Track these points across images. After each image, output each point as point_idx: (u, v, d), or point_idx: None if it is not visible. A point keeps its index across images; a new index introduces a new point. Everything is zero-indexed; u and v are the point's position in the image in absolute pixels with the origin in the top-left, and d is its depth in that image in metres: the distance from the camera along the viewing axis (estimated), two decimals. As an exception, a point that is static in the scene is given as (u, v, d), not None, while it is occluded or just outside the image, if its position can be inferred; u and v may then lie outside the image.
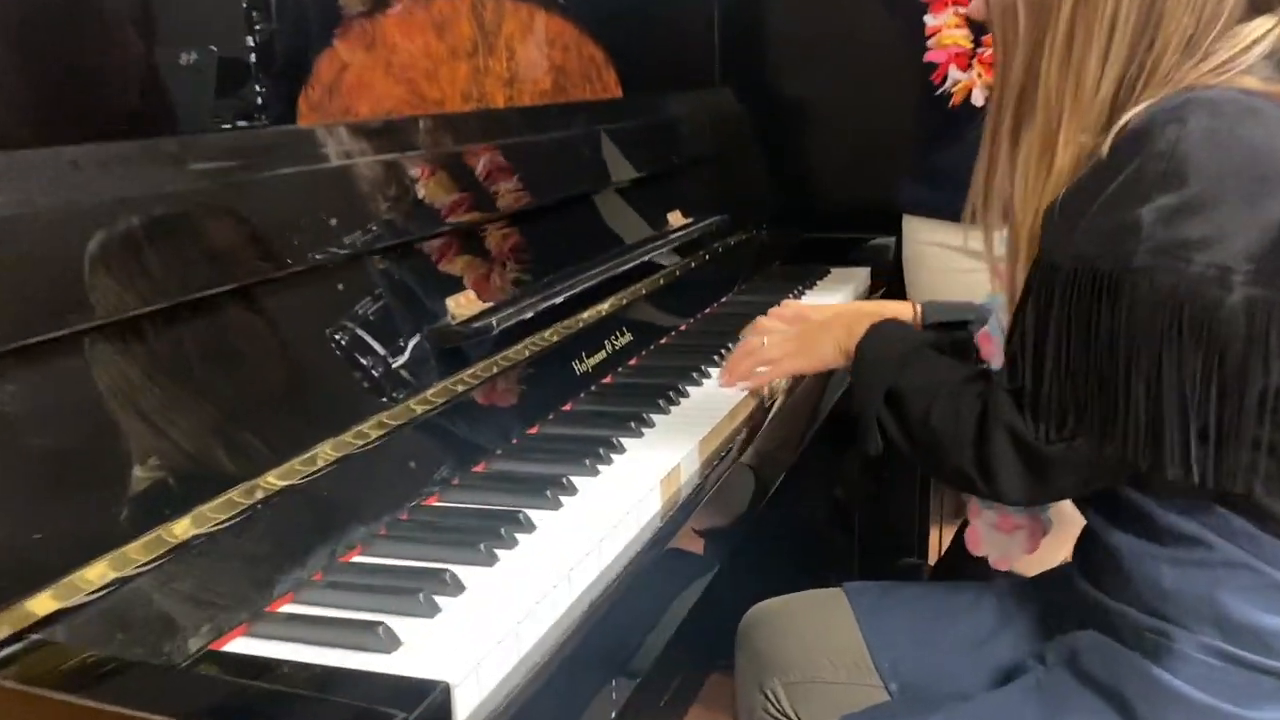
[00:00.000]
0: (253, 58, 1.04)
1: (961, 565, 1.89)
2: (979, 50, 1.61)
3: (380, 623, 0.77)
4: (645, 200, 1.66)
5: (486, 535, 0.91)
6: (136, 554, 0.79)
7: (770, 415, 1.34)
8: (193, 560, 0.81)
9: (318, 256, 0.96)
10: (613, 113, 1.62)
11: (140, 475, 0.81)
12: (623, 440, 1.14)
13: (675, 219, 1.69)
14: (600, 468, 1.08)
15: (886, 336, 1.14)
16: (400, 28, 1.19)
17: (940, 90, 1.65)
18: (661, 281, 1.62)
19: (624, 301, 1.49)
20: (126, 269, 0.80)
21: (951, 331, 1.33)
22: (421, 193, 1.13)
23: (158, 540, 0.80)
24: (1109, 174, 0.85)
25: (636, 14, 1.84)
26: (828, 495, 2.18)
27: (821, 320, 1.29)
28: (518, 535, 0.93)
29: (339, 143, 1.02)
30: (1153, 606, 0.94)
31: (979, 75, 1.61)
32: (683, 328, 1.62)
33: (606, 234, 1.54)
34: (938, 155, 1.75)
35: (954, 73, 1.64)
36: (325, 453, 0.94)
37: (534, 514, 0.96)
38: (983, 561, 1.85)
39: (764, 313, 1.63)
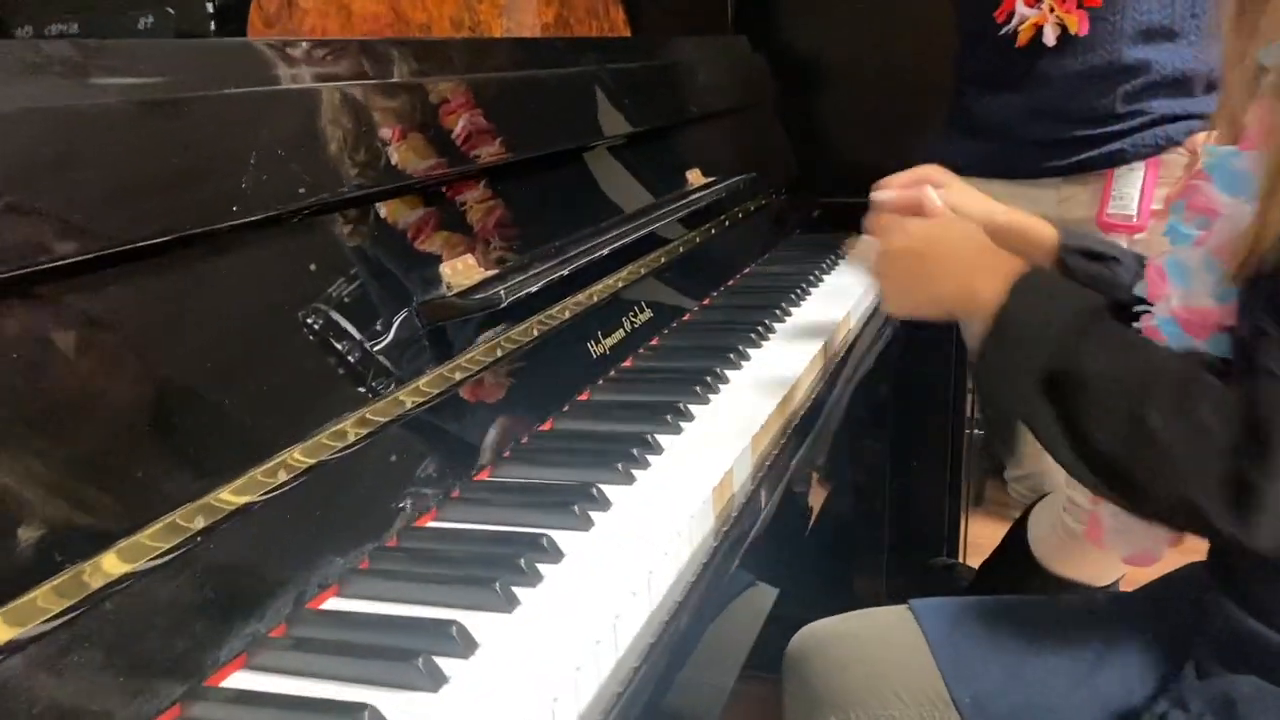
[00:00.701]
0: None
1: (1018, 567, 1.70)
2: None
3: (365, 705, 0.55)
4: (660, 155, 1.44)
5: (501, 569, 0.70)
6: (46, 602, 0.57)
7: (829, 402, 1.13)
8: (114, 611, 0.60)
9: (275, 207, 0.74)
10: (625, 52, 1.39)
11: (47, 494, 0.60)
12: (659, 438, 0.93)
13: (694, 178, 1.48)
14: (636, 473, 0.86)
15: (1044, 292, 0.81)
16: (379, -68, 0.97)
17: (1003, 30, 1.44)
18: (680, 249, 1.40)
19: (641, 272, 1.27)
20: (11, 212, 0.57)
21: (1092, 263, 1.05)
22: (407, 133, 0.90)
23: (73, 583, 0.59)
24: None
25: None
26: (852, 488, 1.98)
27: (931, 255, 0.93)
28: (541, 567, 0.71)
29: (298, 63, 0.80)
30: None
31: (1050, 9, 1.40)
32: (706, 302, 1.41)
33: (620, 191, 1.32)
34: (987, 106, 1.55)
35: (1021, 9, 1.42)
36: (293, 460, 0.72)
37: (560, 537, 0.75)
38: (1037, 566, 1.65)
39: (793, 286, 1.43)
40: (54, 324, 0.62)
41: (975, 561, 1.96)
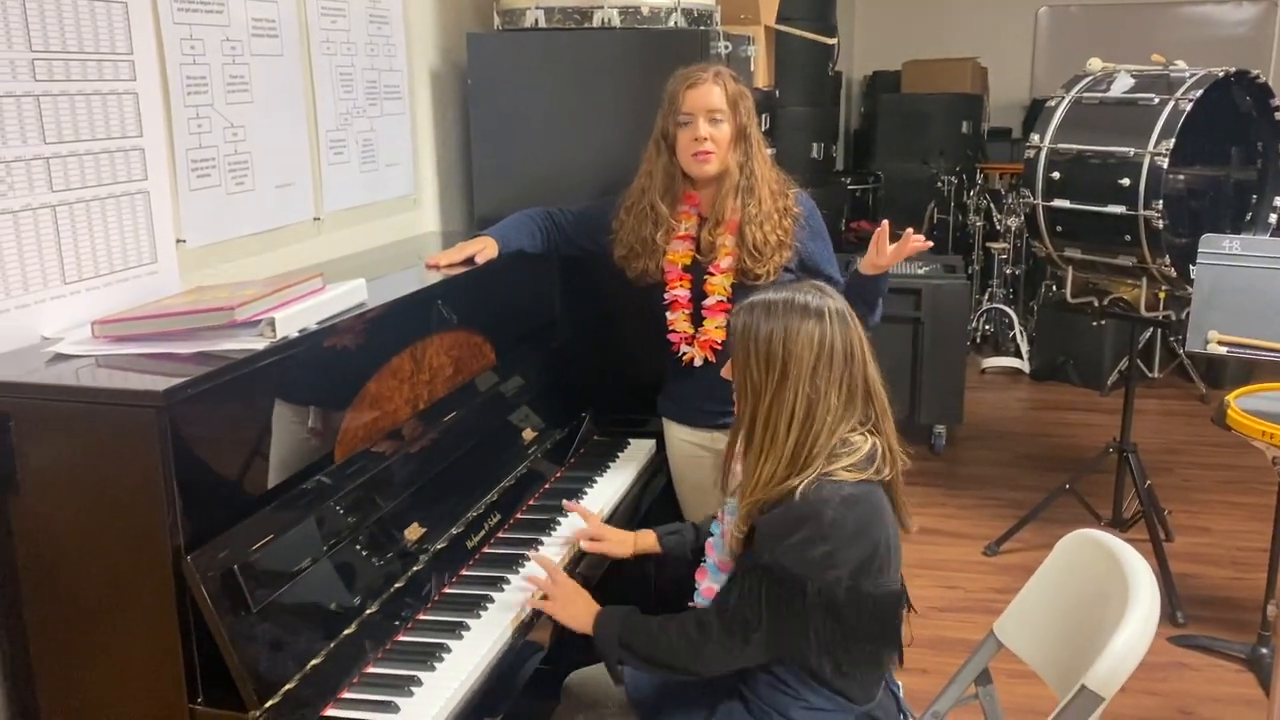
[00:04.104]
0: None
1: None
2: (698, 335, 2.82)
3: None
4: (510, 431, 2.81)
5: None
6: None
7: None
8: None
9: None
10: (492, 380, 2.77)
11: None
12: (422, 676, 2.14)
13: (529, 435, 2.85)
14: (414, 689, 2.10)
15: (606, 614, 2.17)
16: (378, 385, 2.32)
17: (678, 355, 2.87)
18: (525, 470, 2.76)
19: (496, 497, 2.62)
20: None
21: (670, 536, 2.51)
22: (395, 488, 2.25)
23: None
24: None
25: (504, 299, 2.99)
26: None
27: (568, 603, 2.23)
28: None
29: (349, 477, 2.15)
30: None
31: (698, 349, 2.83)
32: (532, 501, 2.75)
33: (496, 456, 2.68)
34: (678, 386, 2.97)
35: (684, 347, 2.85)
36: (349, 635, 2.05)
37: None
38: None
39: (582, 486, 2.80)
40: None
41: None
